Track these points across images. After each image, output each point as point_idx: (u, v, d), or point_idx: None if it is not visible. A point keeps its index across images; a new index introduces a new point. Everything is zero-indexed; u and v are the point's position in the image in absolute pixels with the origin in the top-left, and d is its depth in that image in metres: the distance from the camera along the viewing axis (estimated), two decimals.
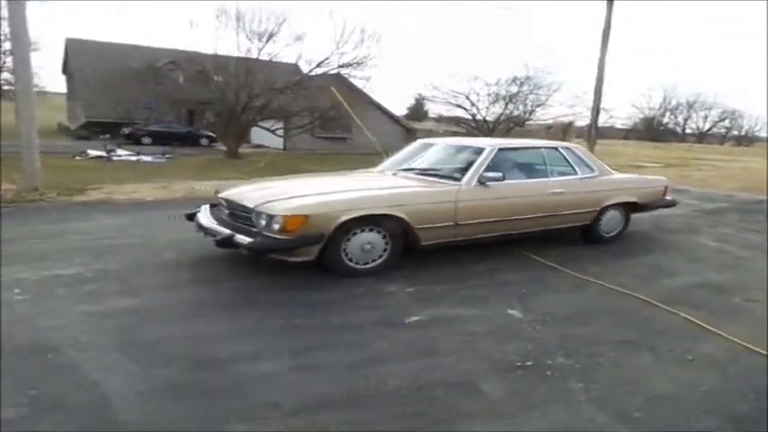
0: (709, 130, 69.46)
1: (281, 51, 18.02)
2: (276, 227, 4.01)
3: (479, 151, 5.21)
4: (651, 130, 65.39)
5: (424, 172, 5.40)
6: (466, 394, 2.64)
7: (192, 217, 4.96)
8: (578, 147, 6.40)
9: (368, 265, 4.46)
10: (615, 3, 14.23)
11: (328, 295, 3.99)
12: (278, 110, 18.94)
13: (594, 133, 15.75)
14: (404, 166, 5.68)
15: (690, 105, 67.51)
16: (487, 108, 18.82)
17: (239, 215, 4.49)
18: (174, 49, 23.09)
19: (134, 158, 16.77)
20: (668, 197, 6.61)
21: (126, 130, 24.04)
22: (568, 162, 5.77)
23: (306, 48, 40.78)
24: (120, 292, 3.86)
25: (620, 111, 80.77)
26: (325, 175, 6.03)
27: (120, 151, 18.07)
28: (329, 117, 18.95)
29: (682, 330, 3.58)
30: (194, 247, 5.24)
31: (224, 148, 19.39)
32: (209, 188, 9.90)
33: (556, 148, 5.88)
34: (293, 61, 19.28)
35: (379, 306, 3.80)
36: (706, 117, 68.48)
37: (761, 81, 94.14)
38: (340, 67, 18.73)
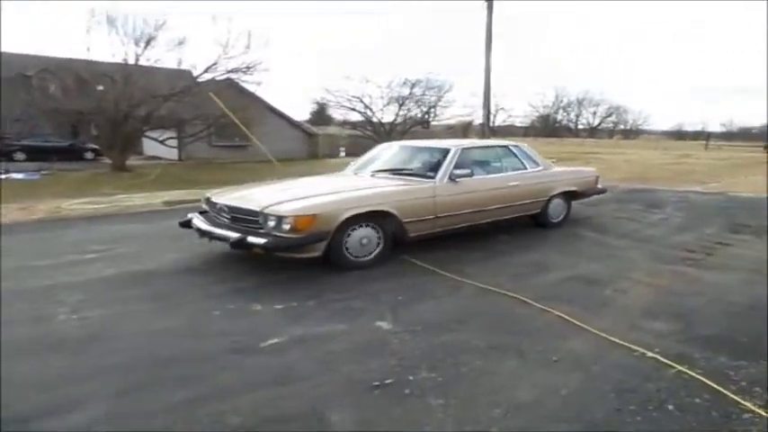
0: (598, 125, 74.40)
1: (162, 57, 16.94)
2: (287, 227, 4.33)
3: (446, 151, 5.74)
4: (548, 127, 69.07)
5: (398, 172, 5.85)
6: (311, 428, 2.34)
7: (186, 224, 5.27)
8: (525, 145, 7.00)
9: (366, 258, 4.86)
10: (495, 5, 14.63)
11: (176, 321, 3.57)
12: (166, 118, 17.81)
13: (488, 131, 16.14)
14: (377, 168, 6.14)
15: (579, 103, 72.08)
16: (382, 110, 18.74)
17: (243, 218, 4.72)
18: (48, 56, 21.25)
19: (2, 176, 15.12)
20: (599, 186, 7.52)
21: None
22: (518, 158, 6.48)
23: (197, 53, 38.88)
24: None
25: (519, 110, 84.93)
26: (306, 178, 6.54)
27: None
28: (222, 124, 18.03)
29: (553, 328, 3.49)
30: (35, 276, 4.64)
31: (110, 162, 17.99)
32: (79, 207, 9.01)
33: (506, 146, 6.66)
34: (181, 67, 18.20)
35: (236, 330, 3.42)
36: (595, 113, 73.44)
37: (640, 79, 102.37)
38: (229, 72, 17.92)
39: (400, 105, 18.67)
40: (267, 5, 74.29)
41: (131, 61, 15.95)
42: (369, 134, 20.12)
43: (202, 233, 4.91)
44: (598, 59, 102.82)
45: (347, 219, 4.59)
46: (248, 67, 17.82)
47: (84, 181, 14.24)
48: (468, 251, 5.49)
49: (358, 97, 18.36)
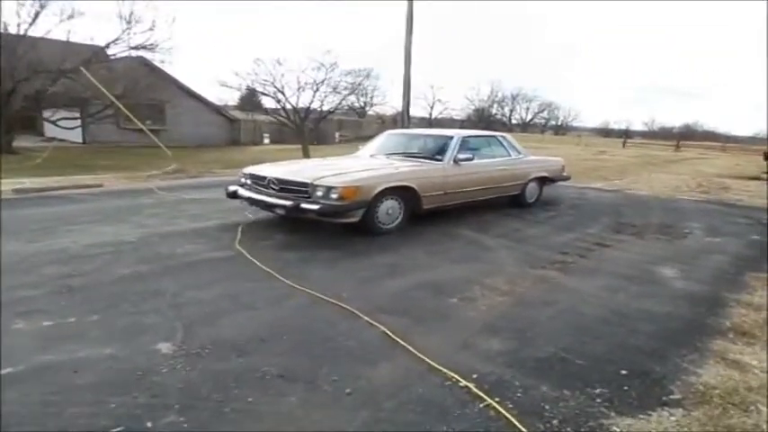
0: (531, 120, 75.80)
1: (54, 29, 15.42)
2: (335, 196, 5.10)
3: (450, 138, 6.77)
4: (483, 120, 69.57)
5: (410, 155, 6.85)
6: None
7: (233, 195, 5.95)
8: (509, 135, 8.07)
9: (390, 225, 5.68)
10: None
11: None
12: (61, 96, 16.32)
13: (407, 122, 15.67)
14: (390, 151, 7.11)
15: (513, 98, 73.13)
16: (297, 96, 17.76)
17: (292, 189, 5.37)
18: None
19: None
20: (564, 173, 8.55)
21: None
22: (504, 147, 7.56)
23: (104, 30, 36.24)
24: None
25: (456, 103, 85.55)
26: (328, 158, 7.44)
27: None
28: (129, 106, 16.66)
29: (369, 348, 2.98)
30: None
31: None
32: None
33: (495, 136, 7.77)
34: (78, 40, 16.69)
35: None
36: (528, 109, 74.71)
37: (572, 77, 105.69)
38: (131, 48, 16.62)
39: (315, 91, 17.79)
40: None
41: (12, 31, 14.36)
42: (282, 120, 19.06)
43: (253, 201, 5.68)
44: (533, 56, 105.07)
45: (380, 191, 5.37)
46: (153, 45, 16.54)
47: None
48: (325, 249, 4.97)
49: (270, 81, 17.30)
